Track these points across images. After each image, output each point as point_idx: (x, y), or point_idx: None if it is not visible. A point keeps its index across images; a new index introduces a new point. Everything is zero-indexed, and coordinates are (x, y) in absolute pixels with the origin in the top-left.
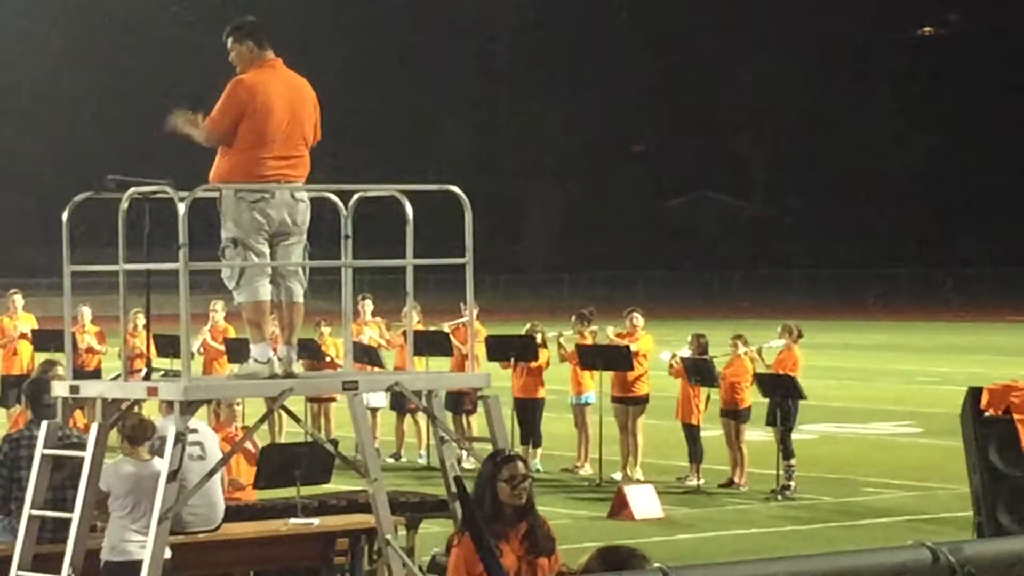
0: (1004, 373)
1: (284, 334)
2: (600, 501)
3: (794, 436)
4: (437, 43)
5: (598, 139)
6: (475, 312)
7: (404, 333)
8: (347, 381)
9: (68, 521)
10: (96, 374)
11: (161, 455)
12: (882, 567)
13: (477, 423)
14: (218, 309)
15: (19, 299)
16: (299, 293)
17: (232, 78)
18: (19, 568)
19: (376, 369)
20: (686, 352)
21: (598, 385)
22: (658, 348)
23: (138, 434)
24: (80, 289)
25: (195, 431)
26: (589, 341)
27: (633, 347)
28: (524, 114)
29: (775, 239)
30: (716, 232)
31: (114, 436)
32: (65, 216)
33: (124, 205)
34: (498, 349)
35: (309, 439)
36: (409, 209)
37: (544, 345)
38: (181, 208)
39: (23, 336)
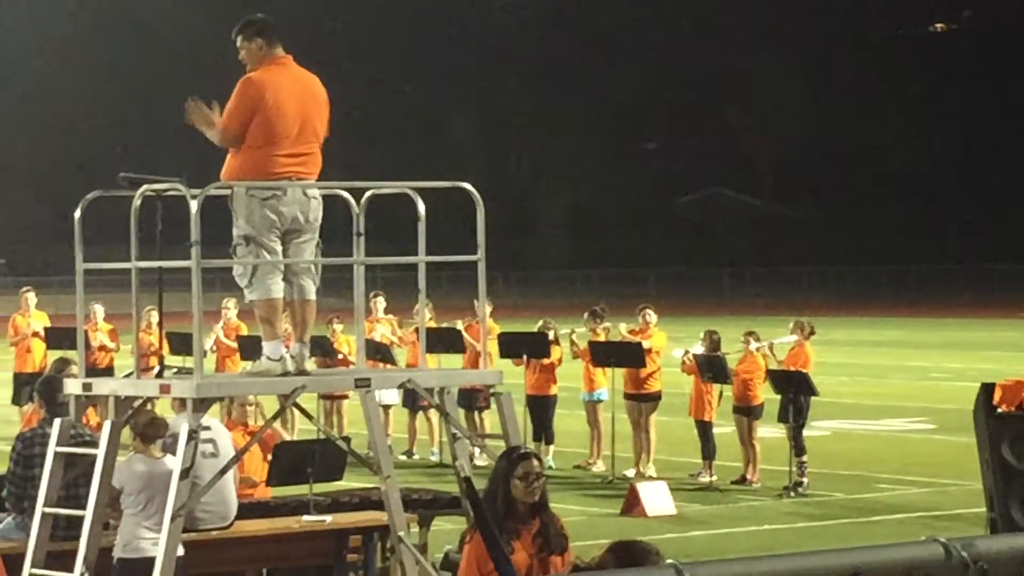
0: (1017, 369)
1: (296, 331)
2: (612, 498)
3: (806, 432)
4: (446, 40)
5: (610, 137)
6: (488, 309)
7: (416, 330)
8: (359, 378)
9: (81, 519)
10: (109, 372)
11: (174, 452)
12: (895, 563)
13: (490, 420)
14: (230, 306)
15: (32, 297)
16: (311, 290)
17: (241, 76)
18: (32, 566)
19: (388, 366)
20: (699, 349)
21: (610, 382)
22: (670, 345)
23: (151, 431)
24: (92, 287)
25: (208, 428)
26: (602, 338)
27: (646, 344)
28: (536, 112)
29: (787, 235)
30: (728, 229)
31: (127, 434)
32: (77, 214)
33: (136, 203)
34: (511, 346)
35: (322, 436)
36: (421, 206)
37: (556, 342)
38: (194, 206)
39: (36, 334)
